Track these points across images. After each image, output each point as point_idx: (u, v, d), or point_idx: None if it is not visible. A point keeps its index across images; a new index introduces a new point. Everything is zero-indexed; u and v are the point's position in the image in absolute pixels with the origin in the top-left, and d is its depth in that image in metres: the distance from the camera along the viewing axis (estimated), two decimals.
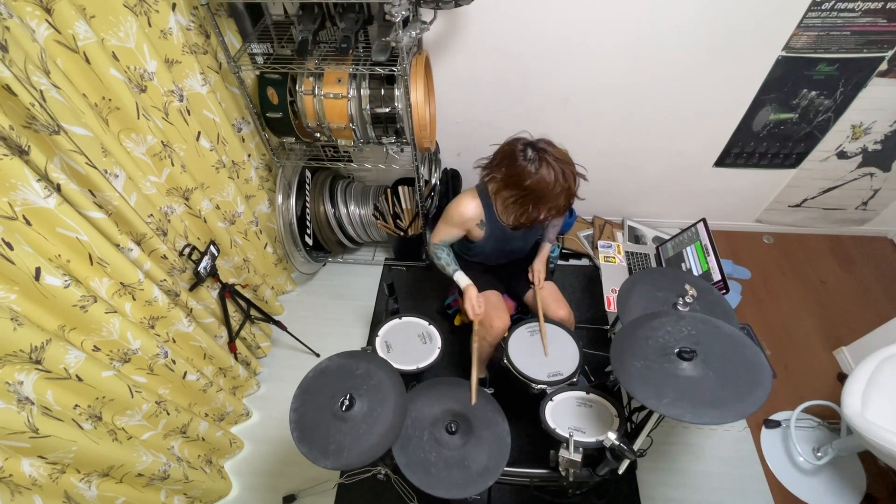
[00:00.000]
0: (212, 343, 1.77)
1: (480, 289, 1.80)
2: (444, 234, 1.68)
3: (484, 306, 1.66)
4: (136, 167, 1.45)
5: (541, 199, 1.41)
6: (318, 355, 2.26)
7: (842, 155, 2.30)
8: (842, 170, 2.37)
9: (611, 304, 2.16)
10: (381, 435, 1.18)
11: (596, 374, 2.12)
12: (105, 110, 1.36)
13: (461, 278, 1.68)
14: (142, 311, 1.46)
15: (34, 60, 1.08)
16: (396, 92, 1.82)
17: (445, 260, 1.70)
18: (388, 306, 1.91)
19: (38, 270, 1.09)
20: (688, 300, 1.40)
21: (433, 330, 1.66)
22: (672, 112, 2.16)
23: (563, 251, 2.59)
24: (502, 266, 1.88)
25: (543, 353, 1.60)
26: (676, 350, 1.13)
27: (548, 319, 1.70)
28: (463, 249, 1.85)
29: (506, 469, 1.29)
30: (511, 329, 1.66)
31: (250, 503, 1.85)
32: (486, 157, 1.53)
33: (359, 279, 2.58)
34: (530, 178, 1.38)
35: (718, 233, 2.68)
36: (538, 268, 1.81)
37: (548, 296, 1.79)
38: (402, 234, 2.35)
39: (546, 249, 1.84)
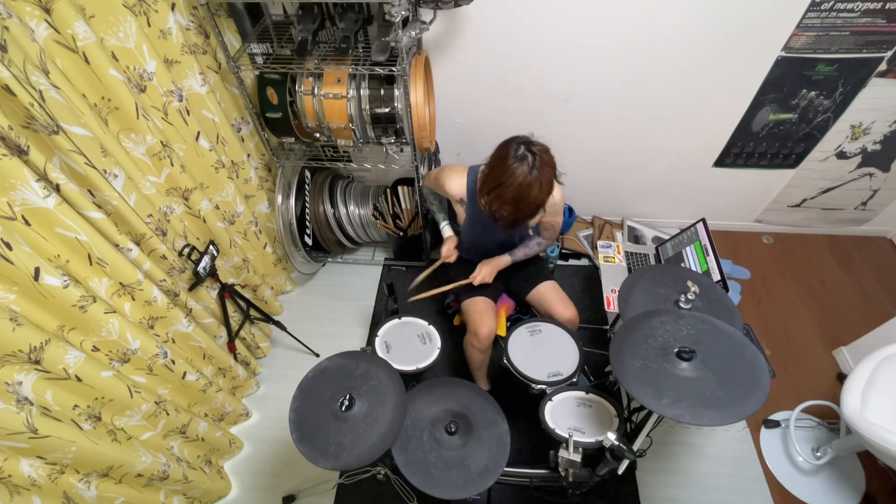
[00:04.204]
0: (211, 343, 1.77)
1: (471, 294, 1.80)
2: (432, 182, 1.75)
3: (452, 257, 1.77)
4: (135, 167, 1.45)
5: (502, 189, 1.37)
6: (317, 355, 2.26)
7: (841, 155, 2.30)
8: (841, 170, 2.37)
9: (610, 304, 2.16)
10: (381, 435, 1.18)
11: (595, 374, 2.12)
12: (104, 110, 1.36)
13: (446, 229, 1.79)
14: (141, 312, 1.46)
15: (33, 60, 1.08)
16: (396, 92, 1.82)
17: (437, 207, 1.82)
18: (387, 306, 1.91)
19: (37, 270, 1.09)
20: (690, 297, 1.40)
21: (433, 330, 1.66)
22: (672, 112, 2.16)
23: (563, 251, 2.60)
24: (482, 256, 1.87)
25: (539, 349, 1.61)
26: (676, 350, 1.13)
27: (552, 320, 1.70)
28: (457, 244, 1.85)
29: (505, 469, 1.29)
30: (511, 329, 1.66)
31: (250, 503, 1.85)
32: None
33: (358, 279, 2.57)
34: (507, 170, 1.35)
35: (718, 233, 2.68)
36: (483, 270, 1.72)
37: (553, 296, 1.79)
38: (401, 234, 2.35)
39: (504, 260, 1.75)
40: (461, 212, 1.68)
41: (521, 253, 1.77)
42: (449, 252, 1.76)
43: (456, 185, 1.63)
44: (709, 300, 1.48)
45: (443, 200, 1.80)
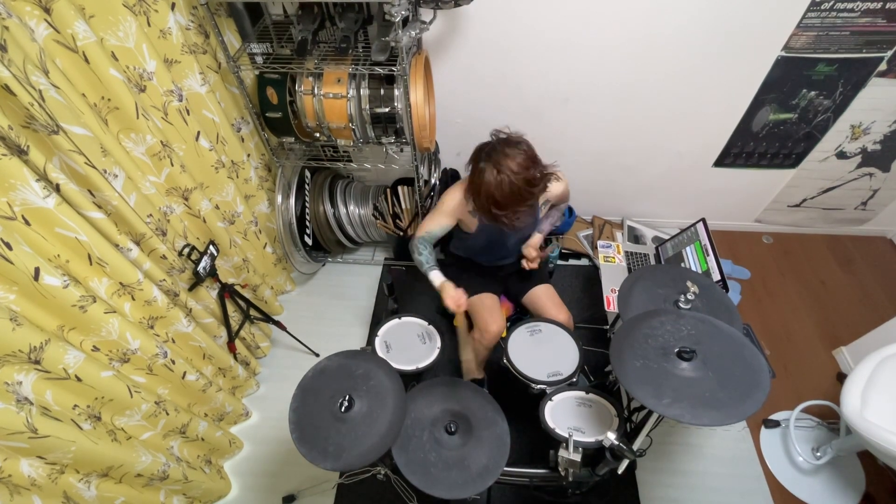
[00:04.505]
0: (211, 343, 1.77)
1: (476, 291, 1.80)
2: (433, 224, 1.61)
3: (465, 303, 1.57)
4: (135, 167, 1.45)
5: (481, 194, 1.39)
6: (317, 355, 2.26)
7: (841, 155, 2.30)
8: (841, 170, 2.37)
9: (610, 304, 2.16)
10: (381, 435, 1.18)
11: (595, 374, 2.12)
12: (104, 110, 1.36)
13: (436, 277, 1.57)
14: (141, 311, 1.46)
15: (33, 60, 1.08)
16: (396, 92, 1.82)
17: (425, 257, 1.60)
18: (387, 306, 1.92)
19: (37, 270, 1.09)
20: (689, 297, 1.40)
21: (433, 330, 1.66)
22: (672, 112, 2.16)
23: (563, 251, 2.60)
24: (499, 268, 1.88)
25: (538, 348, 1.61)
26: (676, 350, 1.13)
27: (547, 320, 1.70)
28: (458, 245, 1.84)
29: (505, 469, 1.29)
30: (510, 329, 1.66)
31: (250, 503, 1.85)
32: None
33: (358, 279, 2.57)
34: (481, 176, 1.38)
35: (718, 233, 2.68)
36: (528, 252, 1.72)
37: (547, 299, 1.79)
38: (401, 233, 2.35)
39: (536, 238, 1.74)
40: (473, 222, 1.63)
41: (547, 224, 1.75)
42: (457, 298, 1.52)
43: (461, 198, 1.58)
44: (708, 300, 1.49)
45: (431, 250, 1.64)
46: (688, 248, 2.22)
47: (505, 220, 1.42)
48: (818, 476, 1.85)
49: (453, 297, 1.53)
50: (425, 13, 1.84)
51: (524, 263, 1.74)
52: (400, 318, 1.69)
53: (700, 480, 1.85)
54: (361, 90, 1.83)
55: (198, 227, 1.78)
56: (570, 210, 2.63)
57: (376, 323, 2.36)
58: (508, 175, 1.34)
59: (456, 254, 1.90)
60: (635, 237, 2.63)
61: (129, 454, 1.34)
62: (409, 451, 1.28)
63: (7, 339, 1.03)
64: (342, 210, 2.38)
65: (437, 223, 1.62)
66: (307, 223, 2.27)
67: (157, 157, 1.52)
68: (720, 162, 2.38)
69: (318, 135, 1.95)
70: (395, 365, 1.42)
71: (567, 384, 1.50)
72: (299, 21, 1.82)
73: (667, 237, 2.46)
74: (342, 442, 1.17)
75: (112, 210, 1.32)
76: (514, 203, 1.38)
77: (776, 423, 1.97)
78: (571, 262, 2.62)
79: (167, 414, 1.52)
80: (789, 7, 1.77)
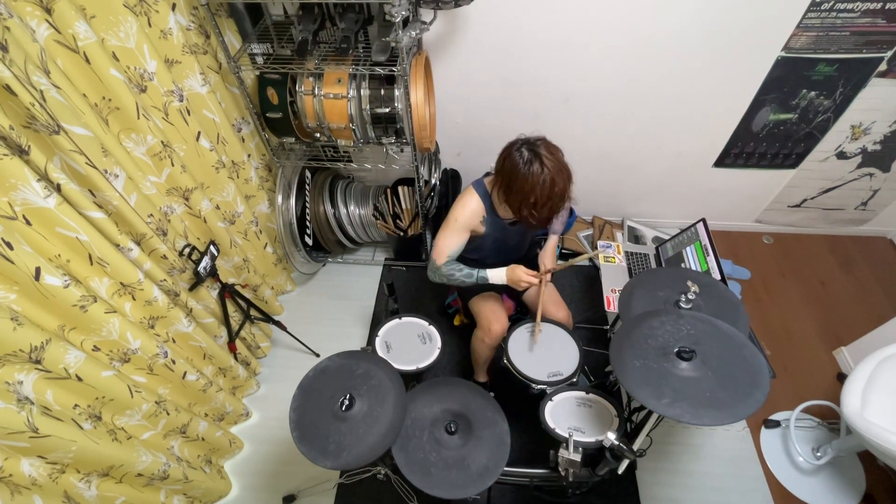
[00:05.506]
0: (211, 343, 1.77)
1: (479, 290, 1.80)
2: (451, 244, 1.56)
3: (549, 271, 1.60)
4: (136, 167, 1.45)
5: (529, 196, 1.37)
6: (317, 355, 2.26)
7: (841, 155, 2.30)
8: (841, 170, 2.37)
9: (610, 304, 2.16)
10: (381, 435, 1.19)
11: (596, 374, 2.12)
12: (105, 110, 1.36)
13: (494, 274, 1.57)
14: (141, 311, 1.46)
15: (34, 60, 1.08)
16: (396, 92, 1.82)
17: (464, 273, 1.57)
18: (387, 306, 1.92)
19: (37, 270, 1.09)
20: (690, 297, 1.40)
21: (433, 330, 1.66)
22: (672, 112, 2.16)
23: (563, 251, 2.60)
24: (501, 265, 1.87)
25: (538, 349, 1.61)
26: (676, 350, 1.13)
27: (547, 320, 1.70)
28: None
29: (505, 469, 1.29)
30: (510, 329, 1.66)
31: (250, 503, 1.85)
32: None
33: (358, 279, 2.58)
34: (520, 176, 1.36)
35: (718, 233, 2.68)
36: (546, 261, 1.74)
37: (547, 297, 1.79)
38: (401, 234, 2.35)
39: (553, 241, 1.79)
40: (481, 230, 1.61)
41: (559, 225, 1.79)
42: (534, 272, 1.55)
43: (475, 203, 1.56)
44: (710, 297, 1.48)
45: (459, 263, 1.61)
46: (688, 249, 2.22)
47: (536, 218, 1.41)
48: (818, 476, 1.85)
49: (529, 277, 1.52)
50: (425, 13, 1.84)
51: (542, 280, 1.65)
52: (400, 318, 1.70)
53: (700, 480, 1.85)
54: (362, 90, 1.83)
55: (198, 227, 1.79)
56: (571, 210, 2.63)
57: (376, 323, 2.36)
58: (552, 173, 1.34)
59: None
60: (635, 237, 2.63)
61: (130, 454, 1.34)
62: (409, 450, 1.28)
63: (8, 339, 1.03)
64: (342, 210, 2.38)
65: (455, 243, 1.57)
66: (307, 223, 2.28)
67: (158, 158, 1.52)
68: (720, 162, 2.38)
69: (318, 135, 1.95)
70: (395, 365, 1.42)
71: (567, 384, 1.50)
72: (299, 21, 1.82)
73: (667, 237, 2.46)
74: (342, 441, 1.17)
75: (113, 210, 1.32)
76: (553, 201, 1.38)
77: (776, 423, 1.97)
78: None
79: (167, 414, 1.52)
80: (789, 7, 1.77)
